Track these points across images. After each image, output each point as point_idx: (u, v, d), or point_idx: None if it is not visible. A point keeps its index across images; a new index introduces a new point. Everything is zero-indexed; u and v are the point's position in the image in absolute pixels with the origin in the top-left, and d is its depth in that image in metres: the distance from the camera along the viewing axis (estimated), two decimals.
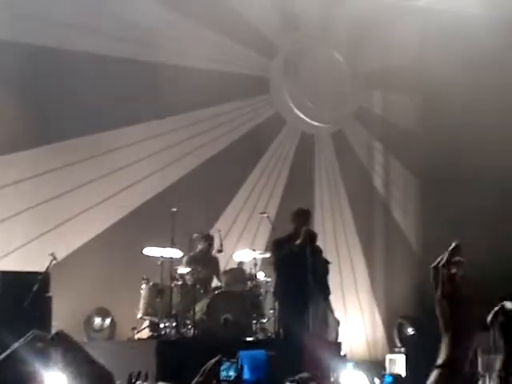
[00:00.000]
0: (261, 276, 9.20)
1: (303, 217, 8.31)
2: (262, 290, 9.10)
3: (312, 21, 11.89)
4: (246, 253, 9.45)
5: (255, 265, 9.15)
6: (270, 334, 8.85)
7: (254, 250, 9.34)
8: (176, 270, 8.90)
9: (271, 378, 6.93)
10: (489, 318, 1.89)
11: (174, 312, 8.54)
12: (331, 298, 9.04)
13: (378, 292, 11.97)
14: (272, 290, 8.77)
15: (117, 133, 10.45)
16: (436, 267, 1.68)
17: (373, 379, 8.59)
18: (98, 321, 9.75)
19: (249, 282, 9.06)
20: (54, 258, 8.47)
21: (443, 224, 10.96)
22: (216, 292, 8.83)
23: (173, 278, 8.73)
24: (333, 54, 12.23)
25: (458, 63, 11.36)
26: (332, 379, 7.51)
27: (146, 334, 8.93)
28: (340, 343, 9.18)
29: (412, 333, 11.08)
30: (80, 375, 2.25)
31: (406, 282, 11.75)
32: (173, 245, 8.74)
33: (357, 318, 11.72)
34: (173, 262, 8.84)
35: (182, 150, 10.88)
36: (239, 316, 8.55)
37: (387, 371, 10.03)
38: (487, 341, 1.88)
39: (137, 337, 8.93)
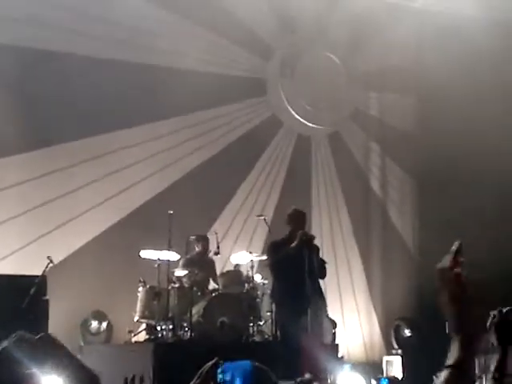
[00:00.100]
0: (258, 278, 9.20)
1: (299, 218, 8.29)
2: (258, 293, 9.09)
3: (308, 23, 11.90)
4: (242, 255, 9.45)
5: (252, 267, 9.14)
6: (267, 337, 8.84)
7: (250, 253, 9.33)
8: (173, 272, 8.89)
9: None
10: (488, 321, 1.89)
11: (170, 315, 8.53)
12: (328, 299, 9.03)
13: (374, 293, 11.97)
14: (269, 292, 8.75)
15: (114, 135, 10.44)
16: (441, 269, 1.67)
17: (370, 381, 8.60)
18: (94, 324, 9.74)
19: (246, 285, 9.06)
20: (51, 261, 8.45)
21: (440, 226, 10.96)
22: (213, 294, 8.82)
23: (170, 281, 8.71)
24: (329, 56, 12.24)
25: (454, 65, 11.37)
26: (329, 381, 7.50)
27: (142, 336, 8.91)
28: (337, 345, 9.17)
29: (409, 334, 11.08)
30: (66, 378, 2.24)
31: (403, 283, 11.76)
32: (170, 247, 8.73)
33: (354, 320, 11.73)
34: (170, 265, 8.83)
35: (179, 153, 10.87)
36: (236, 318, 8.54)
37: (384, 373, 10.03)
38: (485, 342, 1.87)
39: (134, 340, 8.91)
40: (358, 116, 12.40)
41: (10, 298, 8.21)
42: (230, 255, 9.77)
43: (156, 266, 8.68)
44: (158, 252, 8.74)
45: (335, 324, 9.84)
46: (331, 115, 12.27)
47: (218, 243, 9.29)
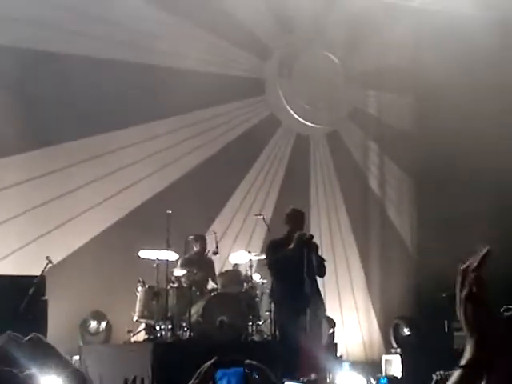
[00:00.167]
0: (257, 278, 9.19)
1: (297, 218, 8.28)
2: (257, 292, 9.08)
3: (306, 23, 11.91)
4: (241, 254, 9.45)
5: (251, 266, 9.14)
6: (266, 336, 8.84)
7: (249, 252, 9.33)
8: (172, 272, 8.89)
9: None
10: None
11: (169, 314, 8.53)
12: (327, 298, 9.03)
13: (373, 292, 11.98)
14: (268, 291, 8.75)
15: (113, 135, 10.45)
16: (465, 269, 1.68)
17: (369, 380, 8.60)
18: (93, 324, 9.74)
19: (245, 284, 9.05)
20: (50, 262, 8.45)
21: (438, 224, 10.98)
22: (212, 294, 8.82)
23: (168, 281, 8.72)
24: (327, 56, 12.25)
25: (452, 64, 11.38)
26: (328, 380, 7.51)
27: (141, 336, 8.92)
28: (336, 344, 9.17)
29: (408, 333, 11.08)
30: (55, 378, 2.25)
31: (402, 282, 11.77)
32: (168, 247, 8.73)
33: (353, 319, 11.73)
34: (168, 265, 8.83)
35: (178, 152, 10.88)
36: (235, 318, 8.54)
37: (383, 372, 10.03)
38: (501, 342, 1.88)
39: (133, 340, 8.92)
40: (356, 115, 12.41)
41: (9, 298, 8.21)
42: (228, 255, 9.77)
43: (155, 265, 8.68)
44: (157, 252, 8.74)
45: (334, 323, 9.84)
46: (329, 114, 12.28)
47: (216, 243, 9.29)
